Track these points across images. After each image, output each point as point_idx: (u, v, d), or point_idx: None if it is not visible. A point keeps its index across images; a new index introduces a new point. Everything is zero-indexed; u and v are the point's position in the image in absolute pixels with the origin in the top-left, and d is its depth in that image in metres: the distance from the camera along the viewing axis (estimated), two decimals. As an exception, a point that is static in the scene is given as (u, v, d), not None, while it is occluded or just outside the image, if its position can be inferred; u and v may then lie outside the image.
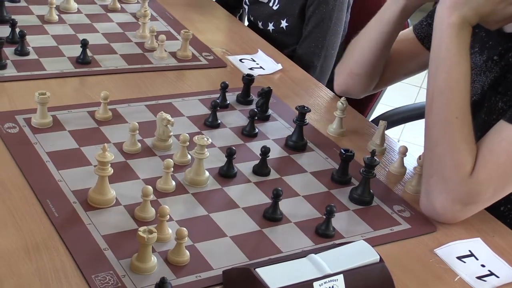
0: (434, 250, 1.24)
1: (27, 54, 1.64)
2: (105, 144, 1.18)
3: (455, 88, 1.28)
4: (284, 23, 2.11)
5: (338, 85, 1.67)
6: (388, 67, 1.64)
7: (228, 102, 1.59)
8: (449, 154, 1.27)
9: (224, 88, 1.56)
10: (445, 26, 1.28)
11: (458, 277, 1.19)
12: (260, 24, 2.17)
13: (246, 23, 2.35)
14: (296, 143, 1.46)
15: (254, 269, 1.02)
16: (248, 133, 1.48)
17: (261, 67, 1.80)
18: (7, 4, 1.82)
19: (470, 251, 1.25)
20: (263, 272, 1.02)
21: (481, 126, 1.40)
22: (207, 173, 1.31)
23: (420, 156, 1.39)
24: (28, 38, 1.68)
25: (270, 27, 2.14)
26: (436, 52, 1.31)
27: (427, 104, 1.31)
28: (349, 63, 1.63)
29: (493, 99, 1.41)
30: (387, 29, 1.53)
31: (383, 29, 1.53)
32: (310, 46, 2.06)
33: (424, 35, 1.58)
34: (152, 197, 1.18)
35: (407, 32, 1.64)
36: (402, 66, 1.65)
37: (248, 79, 1.59)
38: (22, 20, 1.78)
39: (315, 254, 1.07)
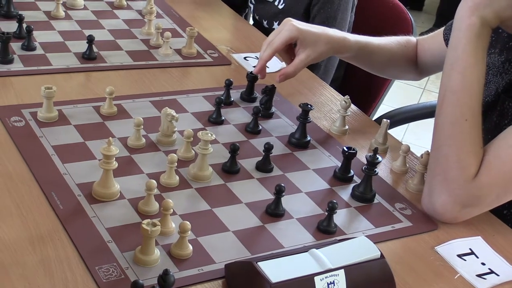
0: (435, 247, 1.25)
1: (34, 49, 1.65)
2: (110, 138, 1.20)
3: (468, 90, 1.28)
4: None
5: None
6: (423, 60, 1.68)
7: (232, 99, 1.60)
8: (455, 155, 1.27)
9: (228, 85, 1.58)
10: (464, 26, 1.28)
11: (458, 274, 1.20)
12: (265, 23, 2.18)
13: (251, 22, 2.36)
14: (299, 141, 1.47)
15: (256, 262, 1.03)
16: (252, 130, 1.49)
17: (265, 65, 1.80)
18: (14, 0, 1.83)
19: (470, 249, 1.26)
20: (265, 266, 1.03)
21: (492, 130, 1.40)
22: (210, 169, 1.32)
23: (422, 155, 1.40)
24: (35, 33, 1.70)
25: (275, 26, 2.15)
26: (452, 52, 1.30)
27: (438, 103, 1.31)
28: None
29: (506, 104, 1.41)
30: None
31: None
32: None
33: (448, 37, 1.58)
34: (156, 191, 1.19)
35: (441, 31, 1.65)
36: (433, 63, 1.67)
37: (252, 77, 1.60)
38: (29, 15, 1.80)
39: (317, 249, 1.08)
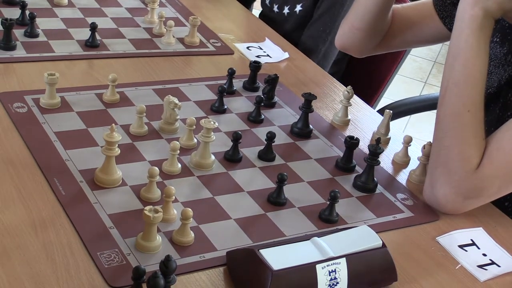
0: (436, 238, 1.25)
1: (37, 36, 1.65)
2: (113, 124, 1.20)
3: (470, 82, 1.27)
4: (298, 7, 2.11)
5: (339, 39, 1.68)
6: (399, 32, 1.63)
7: (234, 88, 1.60)
8: (457, 147, 1.27)
9: (231, 74, 1.57)
10: (467, 17, 1.27)
11: (460, 265, 1.20)
12: (275, 7, 2.17)
13: (254, 12, 2.36)
14: (302, 130, 1.47)
15: (258, 250, 1.04)
16: (254, 119, 1.49)
17: (268, 55, 1.81)
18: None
19: (472, 240, 1.26)
20: (266, 253, 1.03)
21: (494, 122, 1.40)
22: (212, 157, 1.32)
23: (424, 146, 1.40)
24: (38, 20, 1.69)
25: (286, 10, 2.14)
26: (455, 43, 1.29)
27: (441, 94, 1.31)
28: (351, 16, 1.63)
29: (509, 96, 1.41)
30: None
31: None
32: (318, 30, 2.06)
33: (447, 14, 1.56)
34: (158, 178, 1.19)
35: (426, 2, 1.60)
36: (413, 35, 1.63)
37: (255, 66, 1.60)
38: (32, 2, 1.79)
39: (318, 237, 1.08)
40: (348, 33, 1.64)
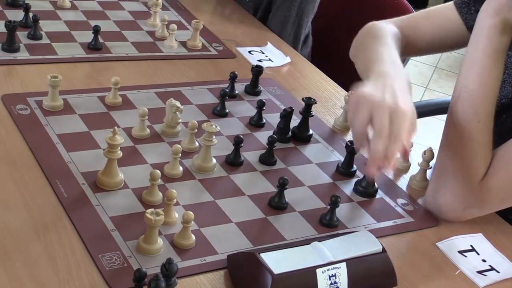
0: (436, 243, 1.25)
1: (40, 38, 1.66)
2: (115, 127, 1.20)
3: (484, 92, 1.25)
4: None
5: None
6: (423, 36, 1.55)
7: (236, 92, 1.60)
8: (464, 156, 1.26)
9: (233, 78, 1.58)
10: (487, 27, 1.25)
11: (459, 270, 1.20)
12: None
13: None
14: (302, 134, 1.48)
15: (259, 254, 1.04)
16: (256, 123, 1.50)
17: (269, 59, 1.81)
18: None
19: (471, 245, 1.27)
20: (267, 257, 1.04)
21: (505, 133, 1.38)
22: (214, 160, 1.32)
23: (425, 151, 1.40)
24: (41, 23, 1.70)
25: None
26: (472, 52, 1.28)
27: (452, 101, 1.29)
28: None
29: None
30: None
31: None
32: (284, 15, 2.02)
33: (474, 23, 1.45)
34: (159, 181, 1.20)
35: (449, 8, 1.52)
36: (440, 42, 1.55)
37: (257, 70, 1.61)
38: (35, 5, 1.80)
39: (319, 241, 1.09)
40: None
